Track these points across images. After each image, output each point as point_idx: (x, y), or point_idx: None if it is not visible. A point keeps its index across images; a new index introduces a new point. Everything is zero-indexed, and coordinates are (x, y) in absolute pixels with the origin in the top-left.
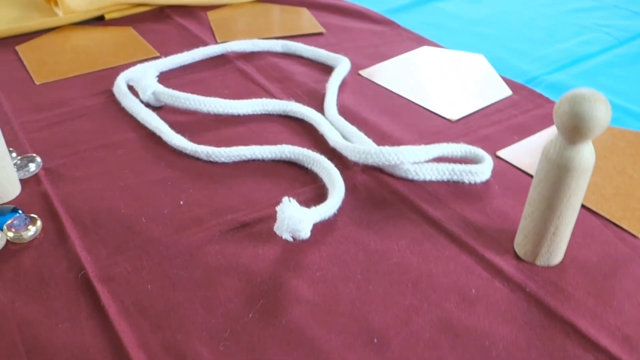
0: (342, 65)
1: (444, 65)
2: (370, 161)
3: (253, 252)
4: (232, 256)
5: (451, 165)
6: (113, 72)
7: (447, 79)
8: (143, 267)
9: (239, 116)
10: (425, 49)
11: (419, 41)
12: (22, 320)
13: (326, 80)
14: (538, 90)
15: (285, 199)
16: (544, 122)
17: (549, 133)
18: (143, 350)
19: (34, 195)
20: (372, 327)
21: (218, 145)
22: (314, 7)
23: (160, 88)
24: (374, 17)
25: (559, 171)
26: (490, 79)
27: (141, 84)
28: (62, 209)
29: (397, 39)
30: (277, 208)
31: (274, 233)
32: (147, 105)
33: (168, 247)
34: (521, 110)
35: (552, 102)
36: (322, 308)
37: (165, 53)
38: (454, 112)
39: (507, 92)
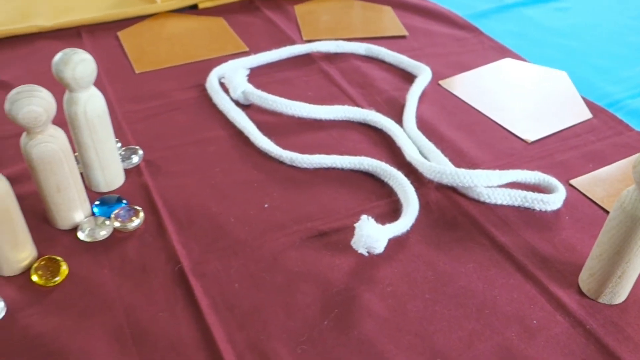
0: (423, 76)
1: (526, 81)
2: (445, 181)
3: (330, 261)
4: (311, 264)
5: (523, 192)
6: (205, 66)
7: (527, 95)
8: (231, 267)
9: (321, 121)
10: (507, 61)
11: (501, 51)
12: (128, 305)
13: (406, 89)
14: (619, 115)
15: (363, 217)
16: (622, 151)
17: (626, 164)
18: (230, 345)
19: (135, 186)
20: (436, 348)
21: (300, 149)
22: (398, 5)
23: (250, 88)
24: (457, 22)
25: (632, 222)
26: (571, 99)
27: (233, 82)
28: (161, 202)
29: (479, 47)
30: (356, 225)
31: (350, 244)
32: (236, 102)
33: (253, 250)
34: (599, 137)
35: (633, 130)
36: (391, 323)
37: (253, 47)
38: (531, 133)
39: (587, 114)
